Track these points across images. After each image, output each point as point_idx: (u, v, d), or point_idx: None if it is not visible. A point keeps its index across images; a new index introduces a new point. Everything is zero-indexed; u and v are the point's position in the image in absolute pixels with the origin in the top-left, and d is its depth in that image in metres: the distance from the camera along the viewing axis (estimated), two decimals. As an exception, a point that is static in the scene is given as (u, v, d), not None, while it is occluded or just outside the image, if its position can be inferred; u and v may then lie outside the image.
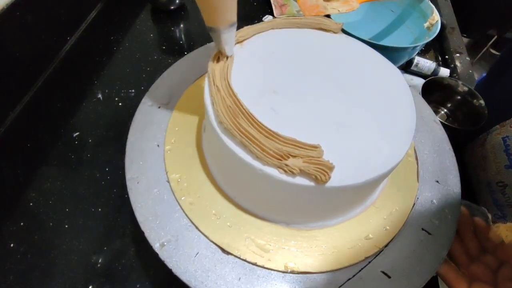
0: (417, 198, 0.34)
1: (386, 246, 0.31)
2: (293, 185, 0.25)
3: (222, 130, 0.27)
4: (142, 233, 0.29)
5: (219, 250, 0.29)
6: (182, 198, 0.31)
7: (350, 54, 0.36)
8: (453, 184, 0.36)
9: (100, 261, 0.36)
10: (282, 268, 0.28)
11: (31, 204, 0.40)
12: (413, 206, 0.34)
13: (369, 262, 0.30)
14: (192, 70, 0.42)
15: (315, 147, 0.26)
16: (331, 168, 0.25)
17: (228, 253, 0.29)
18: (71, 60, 0.57)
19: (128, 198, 0.31)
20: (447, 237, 0.32)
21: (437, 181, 0.36)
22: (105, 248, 0.37)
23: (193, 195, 0.32)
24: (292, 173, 0.25)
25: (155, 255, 0.28)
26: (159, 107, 0.38)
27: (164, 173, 0.33)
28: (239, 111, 0.27)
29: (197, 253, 0.28)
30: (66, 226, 0.38)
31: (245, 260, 0.28)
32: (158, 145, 0.35)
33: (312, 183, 0.25)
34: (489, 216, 0.39)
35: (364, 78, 0.33)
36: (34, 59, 0.52)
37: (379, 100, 0.32)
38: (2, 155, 0.44)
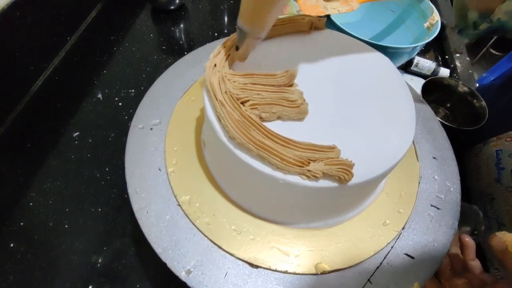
0: (421, 177, 0.36)
1: (403, 228, 0.31)
2: (317, 188, 0.25)
3: (235, 145, 0.26)
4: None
5: (248, 266, 0.28)
6: (198, 220, 0.30)
7: (348, 53, 0.35)
8: (448, 157, 0.38)
9: (100, 261, 0.36)
10: (313, 271, 0.28)
11: (31, 204, 0.40)
12: (418, 185, 0.35)
13: (392, 247, 0.30)
14: (177, 83, 0.41)
15: (332, 148, 0.26)
16: (351, 166, 0.25)
17: (257, 266, 0.28)
18: (71, 60, 0.57)
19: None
20: (454, 208, 0.34)
21: (434, 158, 0.38)
22: (105, 248, 0.37)
23: (208, 214, 0.30)
24: (315, 178, 0.25)
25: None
26: (151, 129, 0.36)
27: (173, 197, 0.32)
28: (250, 124, 0.26)
29: (226, 274, 0.28)
30: (66, 226, 0.38)
31: (275, 270, 0.28)
32: (160, 169, 0.33)
33: (335, 184, 0.25)
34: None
35: (362, 76, 0.33)
36: (34, 59, 0.52)
37: (379, 96, 0.32)
38: (2, 155, 0.44)
